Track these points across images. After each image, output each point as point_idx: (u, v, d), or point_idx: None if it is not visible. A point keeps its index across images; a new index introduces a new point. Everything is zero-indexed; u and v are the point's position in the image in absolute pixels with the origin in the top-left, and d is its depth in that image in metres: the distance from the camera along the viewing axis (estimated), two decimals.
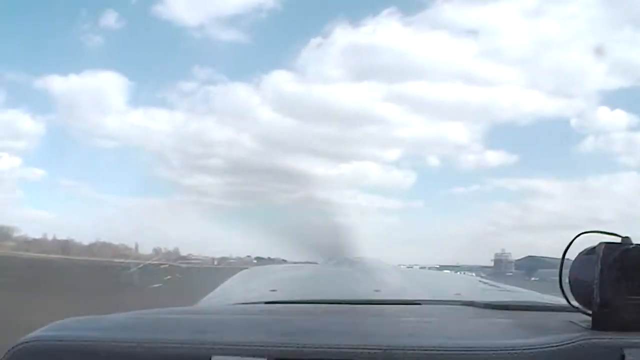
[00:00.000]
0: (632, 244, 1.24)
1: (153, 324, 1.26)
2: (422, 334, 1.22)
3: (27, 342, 1.18)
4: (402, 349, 1.16)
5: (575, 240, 1.34)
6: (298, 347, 1.15)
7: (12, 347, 1.16)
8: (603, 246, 1.23)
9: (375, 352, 1.15)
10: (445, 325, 1.30)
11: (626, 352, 1.18)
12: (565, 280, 1.33)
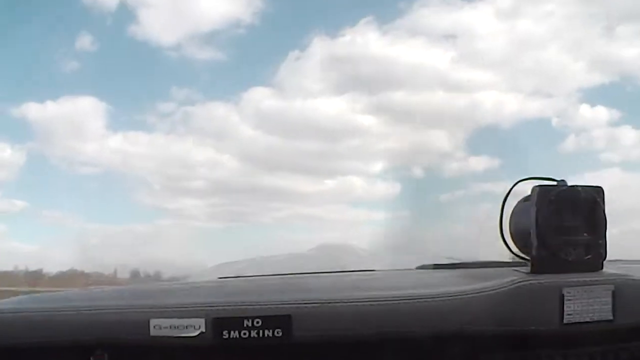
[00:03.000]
0: (566, 185, 1.25)
1: (92, 295, 1.26)
2: (364, 288, 1.22)
3: None
4: (339, 302, 1.16)
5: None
6: (236, 305, 1.15)
7: None
8: (538, 189, 1.23)
9: (314, 306, 1.15)
10: (388, 281, 1.31)
11: (565, 291, 1.18)
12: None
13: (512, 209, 1.31)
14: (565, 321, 1.18)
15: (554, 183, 1.26)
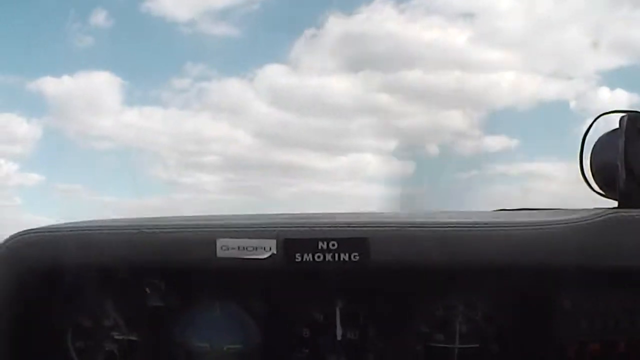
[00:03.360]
0: None
1: (156, 219, 1.18)
2: (443, 216, 1.15)
3: (23, 233, 1.12)
4: (421, 226, 1.08)
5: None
6: (310, 226, 1.07)
7: (9, 239, 1.11)
8: (626, 118, 1.16)
9: (393, 229, 1.08)
10: (466, 215, 1.23)
11: None
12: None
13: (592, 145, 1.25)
14: None
15: None
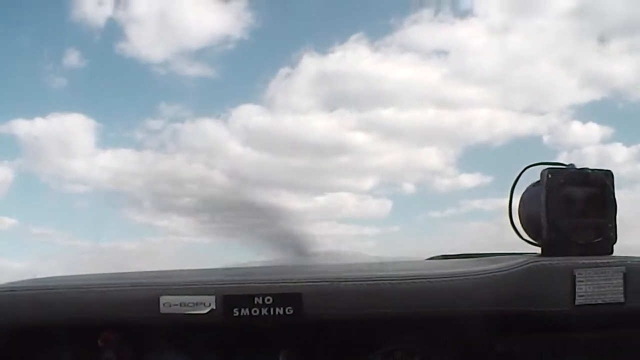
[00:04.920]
0: (575, 168, 1.25)
1: (102, 276, 1.25)
2: (373, 270, 1.22)
3: None
4: (350, 280, 1.15)
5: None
6: (247, 283, 1.15)
7: None
8: (547, 172, 1.24)
9: (325, 285, 1.15)
10: (399, 266, 1.30)
11: (577, 273, 1.18)
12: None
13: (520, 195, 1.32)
14: (577, 303, 1.17)
15: (563, 167, 1.26)
